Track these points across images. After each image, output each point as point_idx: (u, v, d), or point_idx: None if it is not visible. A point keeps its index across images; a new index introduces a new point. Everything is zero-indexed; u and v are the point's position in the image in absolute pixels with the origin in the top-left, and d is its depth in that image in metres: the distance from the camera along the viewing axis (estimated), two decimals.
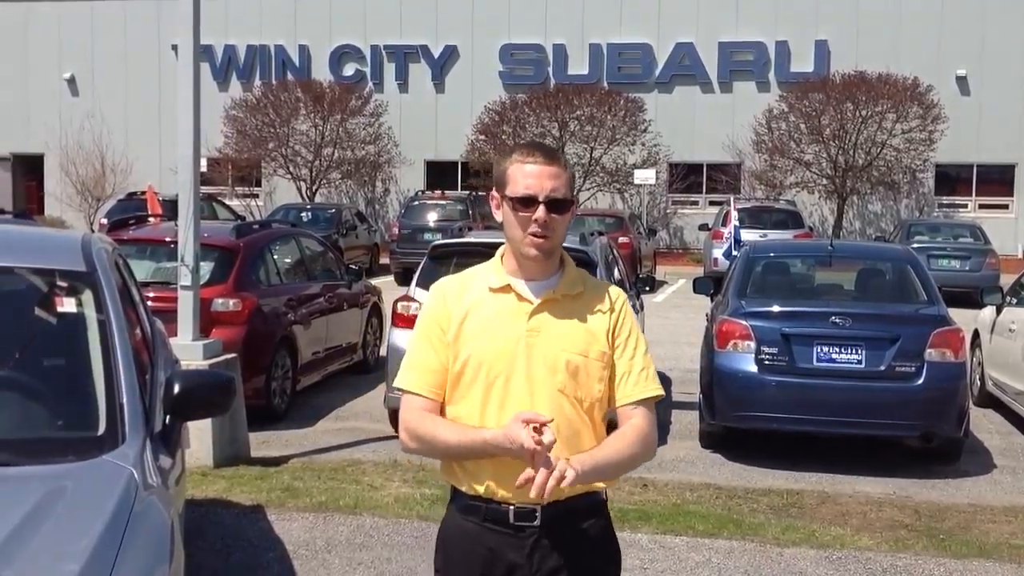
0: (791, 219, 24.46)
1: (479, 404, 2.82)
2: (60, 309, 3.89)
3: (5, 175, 37.51)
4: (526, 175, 2.80)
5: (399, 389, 2.95)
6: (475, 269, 2.98)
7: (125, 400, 3.46)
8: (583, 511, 2.86)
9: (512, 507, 2.80)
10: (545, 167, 2.80)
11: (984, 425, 10.22)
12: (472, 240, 9.71)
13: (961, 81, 31.70)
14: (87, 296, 3.83)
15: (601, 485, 2.88)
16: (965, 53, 31.47)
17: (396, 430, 10.31)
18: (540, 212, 2.77)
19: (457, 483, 2.89)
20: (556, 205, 2.79)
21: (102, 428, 3.40)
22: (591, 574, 2.89)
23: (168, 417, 3.67)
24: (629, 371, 2.87)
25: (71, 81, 36.95)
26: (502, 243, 2.97)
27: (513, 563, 2.82)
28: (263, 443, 8.75)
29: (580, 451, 2.79)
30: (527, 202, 2.78)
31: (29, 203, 36.30)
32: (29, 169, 37.59)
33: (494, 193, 2.90)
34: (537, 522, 2.80)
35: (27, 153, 37.02)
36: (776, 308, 8.90)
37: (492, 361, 2.81)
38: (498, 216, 2.89)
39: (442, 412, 2.89)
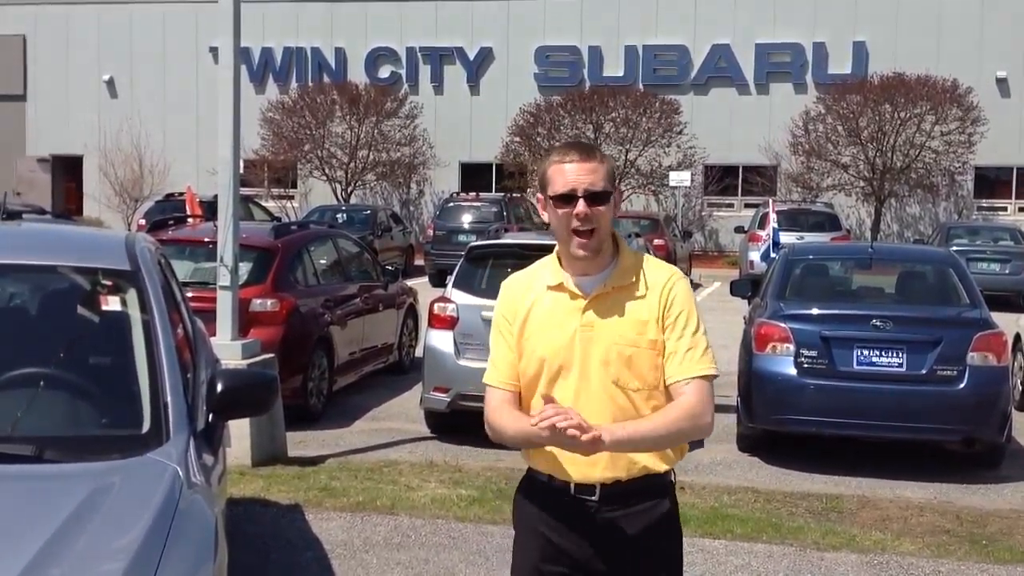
0: (828, 221, 24.31)
1: (541, 394, 2.92)
2: (105, 307, 3.92)
3: (45, 176, 37.91)
4: (564, 173, 2.91)
5: (485, 384, 3.07)
6: (538, 265, 3.09)
7: (169, 398, 3.48)
8: (643, 491, 2.96)
9: (573, 483, 2.94)
10: (581, 163, 2.91)
11: None
12: (509, 242, 9.70)
13: (1001, 83, 31.32)
14: (131, 295, 3.86)
15: (664, 467, 2.97)
16: (1005, 54, 31.10)
17: (432, 431, 10.35)
18: (580, 206, 2.88)
19: (529, 461, 3.06)
20: (595, 198, 2.89)
21: (147, 426, 3.42)
22: (651, 554, 2.97)
23: (211, 415, 3.69)
24: (675, 351, 2.92)
25: (110, 83, 37.26)
26: (538, 244, 3.03)
27: (574, 534, 2.95)
28: (300, 443, 8.79)
29: None
30: (567, 199, 2.90)
31: (68, 204, 36.67)
32: (68, 170, 37.96)
33: (539, 196, 3.02)
34: (596, 497, 2.93)
35: (67, 154, 37.38)
36: (816, 311, 8.83)
37: (551, 357, 2.93)
38: (545, 217, 3.00)
39: (523, 401, 3.02)
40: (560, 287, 2.97)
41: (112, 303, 3.90)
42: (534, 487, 3.05)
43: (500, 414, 2.98)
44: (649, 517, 2.96)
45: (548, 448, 2.90)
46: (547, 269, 3.04)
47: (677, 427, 2.86)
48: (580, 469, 2.91)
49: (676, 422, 2.86)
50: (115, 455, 3.25)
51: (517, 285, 3.08)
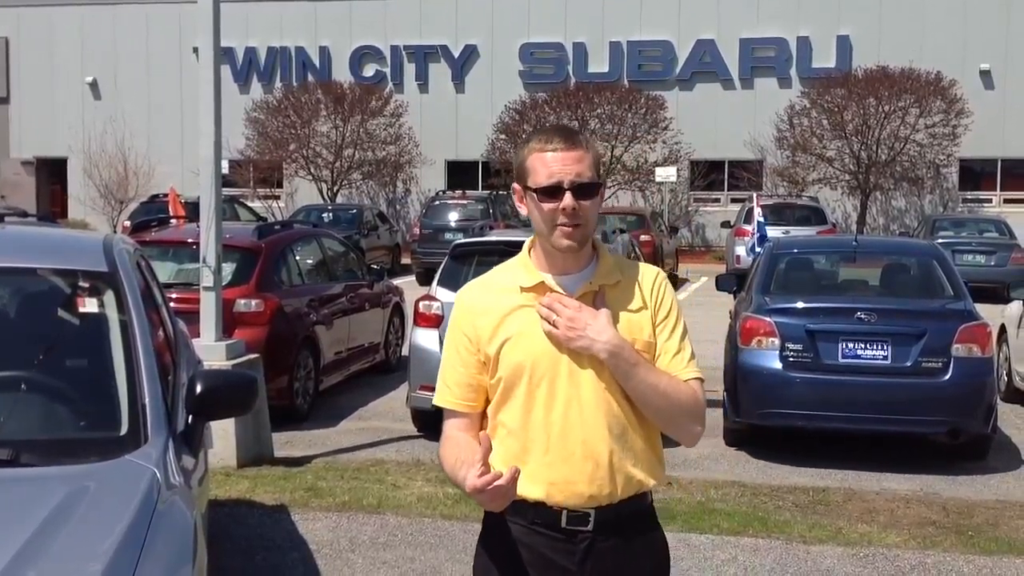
0: (814, 215, 24.41)
1: (521, 409, 2.68)
2: (82, 309, 3.89)
3: (29, 179, 37.76)
4: (548, 163, 2.62)
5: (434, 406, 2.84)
6: (500, 268, 2.80)
7: (147, 400, 3.45)
8: (636, 516, 2.74)
9: (565, 511, 2.67)
10: (567, 152, 2.62)
11: (1012, 421, 10.12)
12: (494, 239, 9.70)
13: (985, 75, 31.42)
14: (109, 296, 3.83)
15: (652, 482, 2.73)
16: (988, 47, 31.21)
17: (419, 430, 10.30)
18: (567, 200, 2.60)
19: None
20: (583, 190, 2.62)
21: (124, 428, 3.40)
22: None
23: (191, 417, 3.67)
24: (666, 351, 2.69)
25: (93, 85, 37.13)
26: (523, 241, 2.86)
27: (564, 568, 2.69)
28: (286, 443, 8.76)
29: (630, 451, 2.68)
30: (552, 191, 2.61)
31: (53, 206, 36.53)
32: (53, 172, 37.83)
33: (516, 186, 2.72)
34: (590, 527, 2.67)
35: (51, 156, 37.26)
36: (800, 304, 8.83)
37: (534, 364, 2.65)
38: (522, 210, 2.73)
39: (485, 417, 2.77)
40: (539, 287, 2.68)
41: (90, 305, 3.88)
42: (513, 518, 2.70)
43: (444, 445, 2.73)
44: (643, 543, 2.75)
45: (542, 466, 2.65)
46: (517, 271, 2.75)
47: (678, 400, 2.65)
48: (573, 487, 2.64)
49: (680, 398, 2.65)
50: (93, 458, 3.22)
51: (476, 294, 2.77)
